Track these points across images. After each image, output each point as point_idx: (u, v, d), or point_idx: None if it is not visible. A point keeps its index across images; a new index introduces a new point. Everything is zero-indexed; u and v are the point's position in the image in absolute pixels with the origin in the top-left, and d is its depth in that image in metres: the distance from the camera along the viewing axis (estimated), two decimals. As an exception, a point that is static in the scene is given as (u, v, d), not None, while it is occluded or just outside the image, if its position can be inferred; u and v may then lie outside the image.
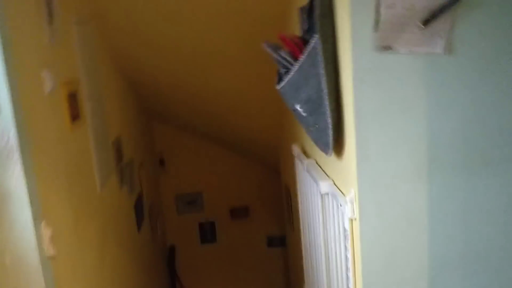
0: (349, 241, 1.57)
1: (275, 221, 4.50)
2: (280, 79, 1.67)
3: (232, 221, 4.48)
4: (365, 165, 1.39)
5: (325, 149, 1.64)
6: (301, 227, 2.42)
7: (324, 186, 1.79)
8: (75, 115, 2.00)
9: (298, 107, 1.62)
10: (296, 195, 2.71)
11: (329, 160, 1.81)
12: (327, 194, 1.82)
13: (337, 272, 1.80)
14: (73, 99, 1.99)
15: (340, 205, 1.59)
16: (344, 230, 1.61)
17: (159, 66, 2.96)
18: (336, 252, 1.77)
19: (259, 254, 4.54)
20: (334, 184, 1.75)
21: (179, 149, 4.33)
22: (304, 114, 1.62)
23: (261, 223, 4.49)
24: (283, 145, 3.24)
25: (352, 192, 1.46)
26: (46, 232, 1.51)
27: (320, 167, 1.99)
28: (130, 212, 2.98)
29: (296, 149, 2.30)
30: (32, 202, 1.45)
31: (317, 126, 1.60)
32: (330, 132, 1.54)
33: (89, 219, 2.05)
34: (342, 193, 1.61)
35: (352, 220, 1.49)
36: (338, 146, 1.60)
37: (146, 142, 3.97)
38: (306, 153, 2.24)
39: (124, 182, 2.88)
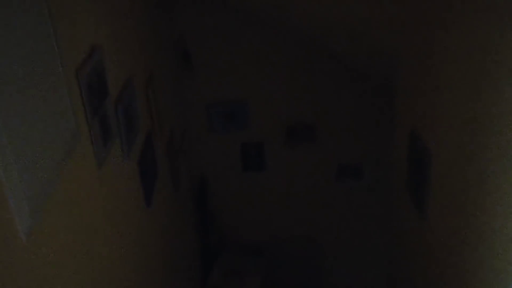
0: None
1: (351, 147, 3.14)
2: None
3: (289, 144, 3.10)
4: None
5: None
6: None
7: None
8: None
9: None
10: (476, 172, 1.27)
11: None
12: None
13: None
14: None
15: None
16: None
17: None
18: None
19: (325, 188, 3.28)
20: None
21: (213, 35, 2.89)
22: None
23: (330, 149, 3.16)
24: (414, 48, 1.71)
25: None
26: None
27: None
28: (130, 185, 1.61)
29: None
30: None
31: None
32: None
33: None
34: None
35: None
36: None
37: (158, 26, 2.41)
38: None
39: (112, 134, 1.47)
